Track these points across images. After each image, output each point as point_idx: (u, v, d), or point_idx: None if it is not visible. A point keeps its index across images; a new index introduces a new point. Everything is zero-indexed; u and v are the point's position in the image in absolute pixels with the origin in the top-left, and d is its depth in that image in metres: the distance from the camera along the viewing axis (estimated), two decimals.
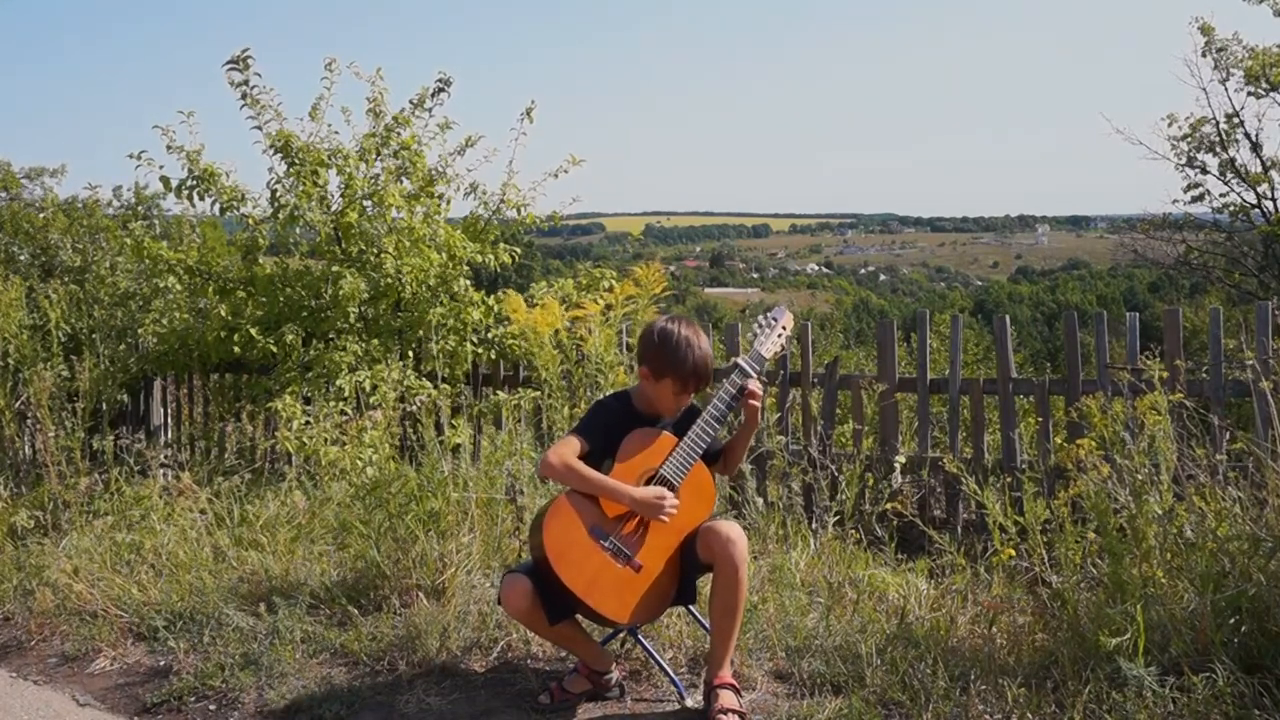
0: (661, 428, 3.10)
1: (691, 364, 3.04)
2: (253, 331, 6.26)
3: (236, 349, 6.29)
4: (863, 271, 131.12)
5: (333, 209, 6.60)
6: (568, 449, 2.98)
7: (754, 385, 3.10)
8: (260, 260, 6.88)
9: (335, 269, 6.27)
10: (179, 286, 6.85)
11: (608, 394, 3.71)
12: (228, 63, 6.46)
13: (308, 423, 5.25)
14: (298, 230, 6.72)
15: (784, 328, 3.29)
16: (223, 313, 6.52)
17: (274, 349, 6.19)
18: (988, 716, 2.82)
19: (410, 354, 6.28)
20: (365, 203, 6.54)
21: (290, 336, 6.14)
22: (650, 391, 3.11)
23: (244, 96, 6.52)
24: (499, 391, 6.05)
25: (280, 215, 6.48)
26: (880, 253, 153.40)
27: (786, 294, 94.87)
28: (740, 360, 3.16)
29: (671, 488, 3.00)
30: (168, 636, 3.80)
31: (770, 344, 3.23)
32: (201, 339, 6.65)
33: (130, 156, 6.59)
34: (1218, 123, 17.03)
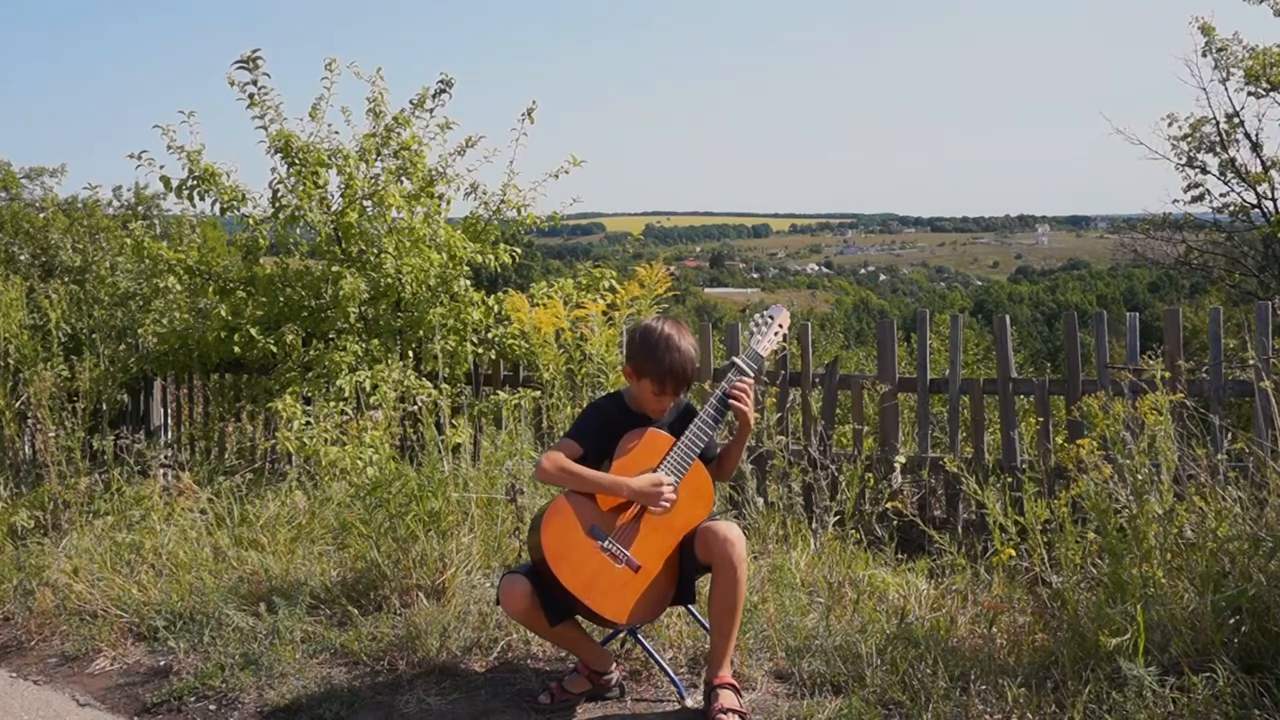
0: (659, 427, 3.09)
1: (668, 365, 2.99)
2: (253, 331, 6.26)
3: (237, 349, 6.29)
4: (863, 271, 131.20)
5: (333, 209, 6.60)
6: (560, 453, 2.98)
7: (738, 383, 3.06)
8: (260, 260, 6.88)
9: (335, 269, 6.28)
10: (179, 286, 6.85)
11: (600, 395, 3.70)
12: (237, 62, 6.46)
13: (308, 423, 5.24)
14: (298, 230, 6.72)
15: (780, 326, 3.28)
16: (223, 313, 6.52)
17: (274, 349, 6.19)
18: (988, 716, 2.82)
19: (410, 354, 6.28)
20: (365, 203, 6.54)
21: (290, 336, 6.14)
22: (634, 390, 3.11)
23: (250, 97, 6.52)
24: (499, 391, 6.05)
25: (281, 215, 6.49)
26: (880, 253, 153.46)
27: (786, 294, 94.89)
28: (737, 359, 3.15)
29: None
30: (168, 636, 3.80)
31: (767, 342, 3.22)
32: (202, 339, 6.65)
33: (130, 156, 6.59)
34: (1218, 123, 17.04)
